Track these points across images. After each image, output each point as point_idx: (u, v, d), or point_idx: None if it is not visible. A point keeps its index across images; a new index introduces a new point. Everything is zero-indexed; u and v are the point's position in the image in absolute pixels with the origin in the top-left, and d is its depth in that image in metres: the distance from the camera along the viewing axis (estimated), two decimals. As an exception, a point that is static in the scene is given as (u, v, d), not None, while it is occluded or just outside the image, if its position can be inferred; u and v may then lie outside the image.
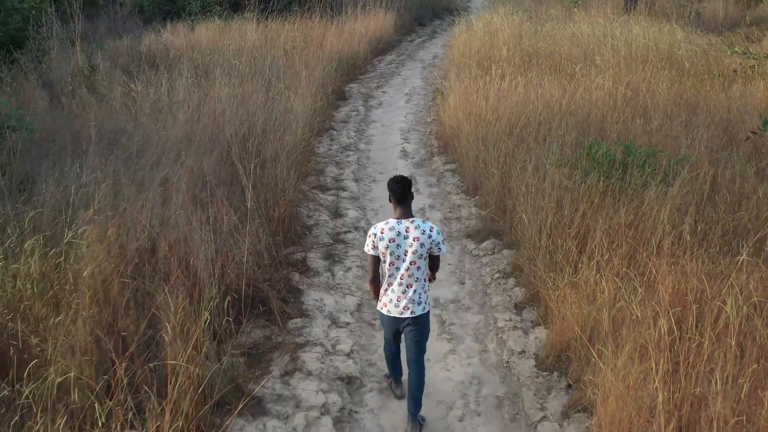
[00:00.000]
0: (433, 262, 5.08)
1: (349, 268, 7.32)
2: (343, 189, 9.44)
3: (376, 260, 4.96)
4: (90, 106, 10.18)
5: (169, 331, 4.86)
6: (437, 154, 10.72)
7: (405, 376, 5.43)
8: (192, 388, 4.63)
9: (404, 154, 10.96)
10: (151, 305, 5.38)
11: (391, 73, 16.16)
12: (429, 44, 19.79)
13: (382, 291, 5.02)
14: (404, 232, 4.82)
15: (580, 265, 6.02)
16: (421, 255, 4.86)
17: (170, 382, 4.50)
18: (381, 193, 9.01)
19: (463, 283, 7.18)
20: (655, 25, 14.55)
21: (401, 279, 4.87)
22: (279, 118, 9.63)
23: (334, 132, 11.78)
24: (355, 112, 12.98)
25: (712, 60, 12.65)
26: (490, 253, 7.62)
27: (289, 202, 7.86)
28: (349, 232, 8.16)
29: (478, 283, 7.16)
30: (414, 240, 4.81)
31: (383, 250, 4.84)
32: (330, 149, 10.94)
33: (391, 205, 5.01)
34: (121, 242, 5.96)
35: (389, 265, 4.87)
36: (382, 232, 4.85)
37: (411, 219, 4.89)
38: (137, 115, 9.80)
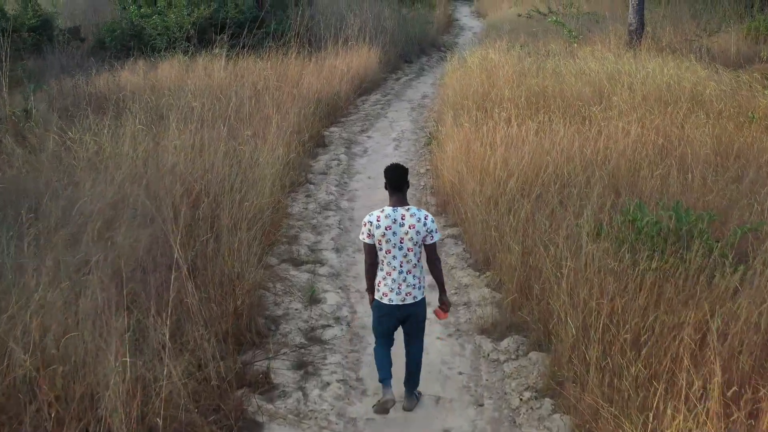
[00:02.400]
0: (429, 253, 5.03)
1: (327, 384, 5.45)
2: (321, 262, 7.61)
3: (373, 249, 4.96)
4: (14, 159, 8.41)
5: None
6: (435, 215, 8.90)
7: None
8: None
9: (395, 213, 9.16)
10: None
11: (376, 115, 14.45)
12: (417, 82, 18.14)
13: (379, 281, 5.00)
14: (400, 220, 4.87)
15: (654, 397, 4.22)
16: (416, 242, 4.90)
17: None
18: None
19: (482, 405, 5.32)
20: (672, 62, 12.98)
21: (401, 266, 4.90)
22: (242, 174, 7.85)
23: (312, 186, 9.98)
24: (336, 161, 11.20)
25: (743, 100, 11.05)
26: (513, 356, 5.80)
27: (249, 291, 6.02)
28: (329, 326, 6.32)
29: (501, 404, 5.31)
30: (410, 227, 4.86)
31: (379, 238, 4.88)
32: (306, 208, 9.12)
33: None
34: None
35: (386, 253, 4.89)
36: (378, 220, 4.89)
37: (406, 207, 4.94)
38: (70, 171, 8.01)
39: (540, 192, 7.45)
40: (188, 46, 15.93)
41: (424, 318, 5.17)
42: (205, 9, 16.85)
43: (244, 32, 15.30)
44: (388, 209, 4.90)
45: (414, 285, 4.96)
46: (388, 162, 11.08)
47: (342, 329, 6.28)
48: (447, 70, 14.57)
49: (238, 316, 5.83)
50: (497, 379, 5.58)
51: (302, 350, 5.86)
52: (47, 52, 15.54)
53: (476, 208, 7.64)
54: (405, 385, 5.21)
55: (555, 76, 12.27)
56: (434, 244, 5.00)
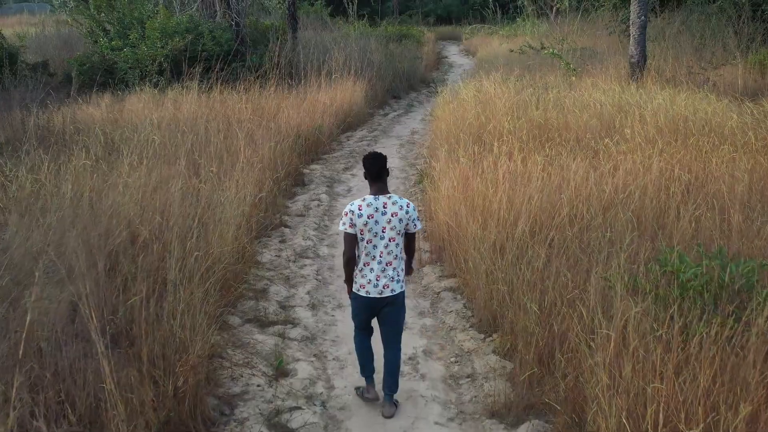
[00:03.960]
0: (410, 243, 4.97)
1: (293, 496, 4.13)
2: (293, 323, 6.32)
3: (354, 240, 4.79)
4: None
5: None
6: (429, 263, 7.68)
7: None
8: None
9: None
10: None
11: (361, 152, 13.25)
12: (405, 118, 17.05)
13: (357, 272, 4.85)
14: (382, 208, 4.75)
15: None
16: (399, 231, 4.79)
17: None
18: (348, 327, 5.79)
19: None
20: (683, 92, 11.94)
21: (380, 256, 4.76)
22: (200, 216, 6.60)
23: (287, 230, 8.72)
24: (315, 202, 9.97)
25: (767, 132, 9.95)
26: (535, 452, 4.50)
27: (194, 367, 4.70)
28: (298, 408, 4.99)
29: None
30: (392, 215, 4.75)
31: (361, 227, 4.72)
32: (279, 256, 7.85)
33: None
34: None
35: (367, 243, 4.76)
36: (360, 209, 4.73)
37: (388, 195, 4.81)
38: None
39: (554, 236, 6.23)
40: (159, 79, 14.83)
41: (402, 316, 5.04)
42: (179, 40, 15.76)
43: (220, 64, 14.28)
44: (370, 198, 4.77)
45: (393, 278, 4.81)
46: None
47: (315, 412, 4.96)
48: (438, 103, 13.47)
49: (179, 400, 4.52)
50: (516, 484, 4.28)
51: (262, 444, 4.54)
52: (9, 86, 14.40)
53: (479, 256, 6.40)
54: (383, 390, 5.04)
55: (558, 108, 11.18)
56: (415, 234, 4.93)
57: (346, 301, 6.61)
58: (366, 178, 4.88)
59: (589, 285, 5.16)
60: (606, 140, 9.06)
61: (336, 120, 13.98)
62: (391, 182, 11.09)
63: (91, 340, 4.24)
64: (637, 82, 14.25)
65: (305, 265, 7.67)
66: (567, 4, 25.65)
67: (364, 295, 4.83)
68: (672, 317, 4.53)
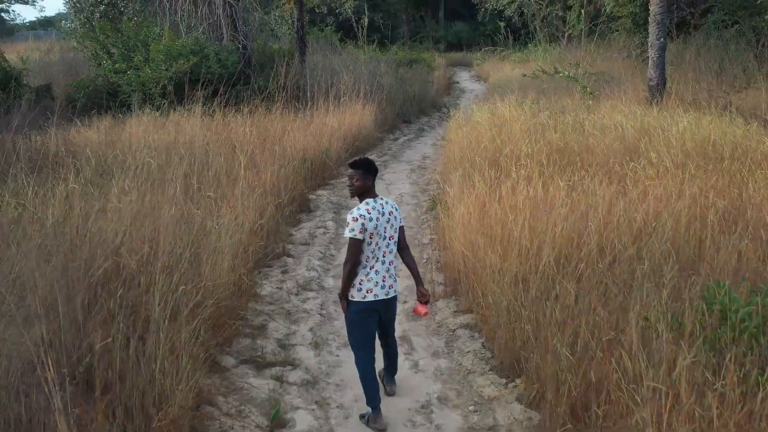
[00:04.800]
0: (401, 239, 4.98)
1: None
2: (293, 364, 5.68)
3: (361, 244, 4.71)
4: None
5: None
6: (443, 297, 7.05)
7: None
8: None
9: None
10: None
11: (371, 177, 12.68)
12: (416, 143, 16.51)
13: (360, 279, 4.75)
14: (381, 209, 4.78)
15: None
16: (396, 229, 4.87)
17: None
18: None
19: None
20: (709, 116, 11.35)
21: (384, 256, 4.80)
22: (193, 245, 6.02)
23: (290, 260, 8.11)
24: (321, 229, 9.37)
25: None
26: None
27: (174, 422, 4.07)
28: (295, 468, 4.36)
29: None
30: (389, 214, 4.82)
31: (372, 231, 4.71)
32: (280, 288, 7.23)
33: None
34: None
35: (375, 246, 4.75)
36: (368, 212, 4.71)
37: (379, 196, 4.88)
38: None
39: (583, 269, 5.60)
40: (162, 102, 14.36)
41: (395, 308, 5.08)
42: (184, 63, 15.32)
43: (224, 87, 13.83)
44: (371, 201, 4.79)
45: (394, 277, 4.88)
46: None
47: (315, 473, 4.33)
48: (451, 126, 12.91)
49: (156, 460, 3.90)
50: None
51: None
52: (11, 109, 13.98)
53: (499, 290, 5.77)
54: (386, 371, 5.23)
55: (577, 131, 10.60)
56: (403, 227, 5.00)
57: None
58: (356, 191, 4.82)
59: (626, 325, 4.54)
60: (632, 164, 8.47)
61: (344, 144, 13.42)
62: (403, 209, 10.52)
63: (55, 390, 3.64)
64: (658, 105, 13.69)
65: (308, 299, 7.05)
66: (582, 27, 25.18)
67: (372, 299, 4.74)
68: (731, 367, 3.91)
